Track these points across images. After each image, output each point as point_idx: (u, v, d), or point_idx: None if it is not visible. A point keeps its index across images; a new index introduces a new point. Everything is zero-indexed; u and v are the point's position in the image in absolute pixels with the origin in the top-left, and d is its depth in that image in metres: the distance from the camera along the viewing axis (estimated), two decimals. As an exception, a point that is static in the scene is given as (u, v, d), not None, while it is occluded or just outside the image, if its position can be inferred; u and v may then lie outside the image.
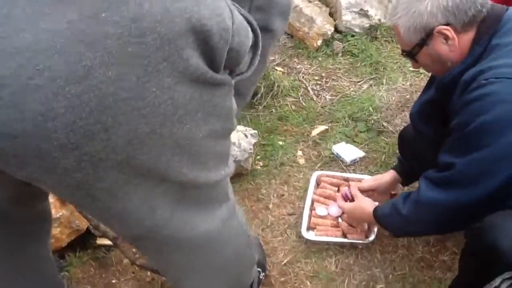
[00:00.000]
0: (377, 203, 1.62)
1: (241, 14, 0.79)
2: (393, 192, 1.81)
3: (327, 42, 2.90)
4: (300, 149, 2.25)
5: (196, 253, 0.97)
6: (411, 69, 2.60)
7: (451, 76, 1.28)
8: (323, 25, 2.87)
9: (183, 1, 0.67)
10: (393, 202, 1.43)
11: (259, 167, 2.15)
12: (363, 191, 1.73)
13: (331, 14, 3.00)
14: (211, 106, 0.77)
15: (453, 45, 1.27)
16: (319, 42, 2.88)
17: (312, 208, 1.89)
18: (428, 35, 1.27)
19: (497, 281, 1.11)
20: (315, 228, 1.82)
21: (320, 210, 1.87)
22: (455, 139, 1.23)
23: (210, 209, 0.94)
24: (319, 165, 2.14)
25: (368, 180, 1.80)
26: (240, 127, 2.07)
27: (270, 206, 1.96)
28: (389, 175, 1.77)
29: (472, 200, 1.20)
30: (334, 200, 1.90)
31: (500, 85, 1.12)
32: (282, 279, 1.67)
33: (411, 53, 1.34)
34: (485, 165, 1.16)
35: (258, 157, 2.20)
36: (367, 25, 2.95)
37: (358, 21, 2.92)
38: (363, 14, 2.91)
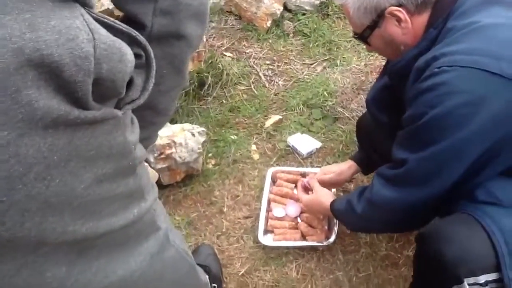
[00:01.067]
0: (334, 197, 1.53)
1: (119, 29, 0.61)
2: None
3: (277, 22, 2.74)
4: (254, 143, 2.11)
5: None
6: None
7: (404, 62, 1.17)
8: (271, 4, 2.69)
9: (5, 27, 0.48)
10: (348, 198, 1.34)
11: (210, 165, 2.00)
12: (323, 184, 1.62)
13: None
14: (91, 150, 0.60)
15: (406, 28, 1.15)
16: (269, 23, 2.71)
17: (269, 210, 1.77)
18: (379, 17, 1.15)
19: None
20: (272, 232, 1.70)
21: (277, 211, 1.75)
22: (407, 133, 1.12)
23: (128, 250, 0.79)
24: (274, 159, 2.02)
25: (328, 171, 1.69)
26: (186, 125, 1.91)
27: (225, 209, 1.82)
28: (349, 168, 1.67)
29: (426, 199, 1.12)
30: (292, 198, 1.79)
31: (454, 74, 1.00)
32: (240, 290, 1.56)
33: (362, 36, 1.22)
34: (437, 162, 1.07)
35: (210, 154, 2.05)
36: (318, 2, 2.80)
37: (310, -3, 2.76)
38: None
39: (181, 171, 1.88)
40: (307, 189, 1.67)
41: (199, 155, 1.87)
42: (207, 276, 1.35)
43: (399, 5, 1.12)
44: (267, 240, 1.66)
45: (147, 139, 0.93)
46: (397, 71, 1.22)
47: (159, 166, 1.82)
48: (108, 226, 0.69)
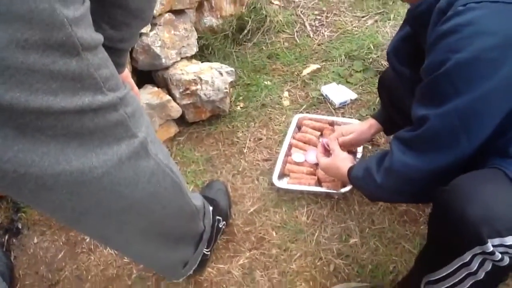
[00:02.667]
0: (354, 162, 1.42)
1: None
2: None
3: (332, -28, 2.60)
4: (286, 90, 2.04)
5: (81, 192, 0.82)
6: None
7: (424, 5, 1.02)
8: (327, -48, 2.56)
9: None
10: (367, 165, 1.20)
11: (239, 108, 1.97)
12: (343, 145, 1.53)
13: None
14: (1, 4, 0.58)
15: None
16: (323, -28, 2.58)
17: (288, 154, 1.71)
18: None
19: (467, 256, 0.92)
20: (289, 175, 1.65)
21: (297, 156, 1.69)
22: (427, 85, 0.98)
23: (87, 145, 0.77)
24: (304, 106, 1.94)
25: (349, 129, 1.58)
26: (215, 64, 1.88)
27: (245, 150, 1.79)
28: (370, 127, 1.54)
29: (453, 162, 0.98)
30: (315, 145, 1.71)
31: (482, 12, 0.86)
32: (247, 228, 1.53)
33: None
34: (463, 118, 0.92)
35: (241, 97, 2.02)
36: (379, -47, 2.61)
37: None
38: None
39: (207, 110, 1.87)
40: (326, 150, 1.57)
41: (226, 95, 1.84)
42: (205, 205, 1.34)
43: None
44: (281, 182, 1.62)
45: (121, 41, 0.90)
46: (417, 16, 1.06)
47: (184, 102, 1.82)
48: (44, 103, 0.67)
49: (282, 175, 1.66)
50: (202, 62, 2.02)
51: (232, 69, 1.88)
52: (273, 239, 1.49)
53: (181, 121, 1.88)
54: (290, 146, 1.73)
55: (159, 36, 1.80)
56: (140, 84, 1.94)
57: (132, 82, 1.02)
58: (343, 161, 1.37)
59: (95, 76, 0.74)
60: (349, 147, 1.56)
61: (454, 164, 0.98)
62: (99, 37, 0.76)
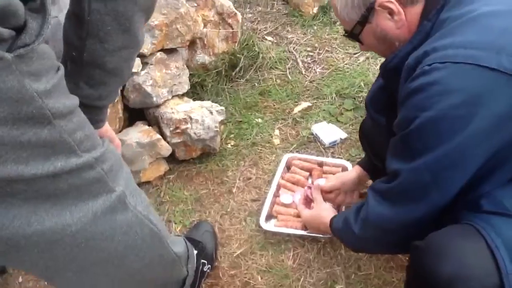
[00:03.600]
0: (335, 212, 1.43)
1: None
2: (362, 191, 1.59)
3: (324, 9, 2.66)
4: (277, 128, 2.06)
5: (54, 250, 0.83)
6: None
7: (397, 59, 1.05)
8: (320, -10, 2.61)
9: None
10: (346, 216, 1.22)
11: (229, 146, 1.98)
12: (326, 192, 1.53)
13: (331, -22, 2.73)
14: None
15: (399, 21, 1.05)
16: (315, 10, 2.64)
17: (277, 195, 1.71)
18: (369, 10, 1.06)
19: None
20: (276, 217, 1.65)
21: (285, 197, 1.69)
22: (399, 140, 1.01)
23: (61, 204, 0.78)
24: (294, 146, 1.95)
25: (331, 179, 1.59)
26: (205, 103, 1.90)
27: (234, 190, 1.79)
28: (354, 172, 1.56)
29: (425, 215, 1.00)
30: (303, 186, 1.72)
31: (446, 72, 0.89)
32: (232, 272, 1.53)
33: (352, 34, 1.13)
34: (433, 173, 0.94)
35: (232, 135, 2.03)
36: (371, -9, 2.65)
37: (361, -14, 2.63)
38: (366, -22, 2.62)
39: (197, 148, 1.88)
40: (309, 201, 1.57)
41: (216, 134, 1.86)
42: (188, 249, 1.34)
43: None
44: (268, 225, 1.61)
45: (99, 98, 0.92)
46: (390, 70, 1.09)
47: (174, 140, 1.83)
48: (13, 172, 0.68)
49: (269, 217, 1.66)
50: (194, 99, 2.05)
51: (223, 108, 1.90)
52: (258, 284, 1.49)
53: (171, 159, 1.89)
54: (279, 187, 1.74)
55: (150, 75, 1.82)
56: (131, 121, 1.96)
57: (112, 134, 1.03)
58: (325, 212, 1.37)
59: (68, 141, 0.75)
60: (333, 198, 1.56)
61: (428, 216, 1.00)
62: (73, 102, 0.78)
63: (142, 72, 1.81)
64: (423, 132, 0.94)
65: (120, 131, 1.84)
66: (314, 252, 1.56)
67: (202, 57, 2.17)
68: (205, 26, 2.13)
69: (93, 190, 0.85)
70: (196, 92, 2.14)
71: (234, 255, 1.57)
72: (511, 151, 0.91)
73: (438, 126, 0.91)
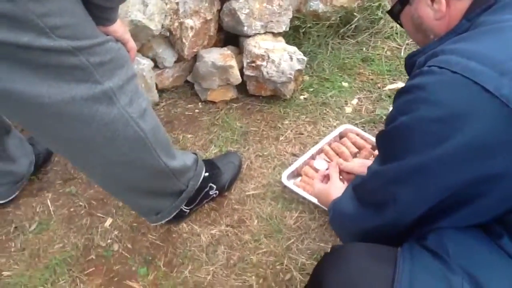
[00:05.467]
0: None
1: None
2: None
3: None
4: (357, 98, 1.95)
5: (28, 114, 0.98)
6: None
7: (421, 55, 0.90)
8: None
9: None
10: (334, 201, 1.15)
11: (301, 97, 1.96)
12: (347, 173, 1.44)
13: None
14: None
15: (439, 11, 0.89)
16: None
17: (314, 157, 1.67)
18: None
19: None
20: (301, 177, 1.63)
21: (319, 162, 1.64)
22: (380, 137, 0.91)
23: (38, 75, 0.91)
24: (362, 120, 1.84)
25: (356, 162, 1.48)
26: (290, 48, 1.88)
27: (281, 138, 1.80)
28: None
29: (381, 227, 0.90)
30: (345, 159, 1.64)
31: (438, 78, 0.75)
32: (236, 206, 1.58)
33: (392, 12, 1.00)
34: (391, 184, 0.84)
35: (310, 89, 1.99)
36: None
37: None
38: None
39: (268, 87, 1.90)
40: (327, 178, 1.48)
41: (289, 80, 1.85)
42: (197, 167, 1.42)
43: None
44: (290, 181, 1.60)
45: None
46: (410, 65, 0.95)
47: (248, 72, 1.88)
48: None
49: (297, 175, 1.64)
50: (293, 43, 2.05)
51: (304, 58, 1.86)
52: (252, 226, 1.52)
53: (242, 89, 1.96)
54: (320, 151, 1.69)
55: (248, 4, 1.87)
56: (225, 43, 2.05)
57: (125, 36, 1.11)
58: (334, 190, 1.31)
59: (36, 22, 0.85)
60: (349, 179, 1.46)
61: (383, 231, 0.91)
62: None
63: (242, 0, 1.86)
64: (395, 137, 0.84)
65: (205, 47, 1.95)
66: (318, 222, 1.52)
67: (317, 4, 2.12)
68: (329, -27, 2.06)
69: (76, 76, 0.97)
70: (298, 37, 2.13)
71: (247, 193, 1.62)
72: (477, 193, 0.76)
73: (409, 135, 0.80)
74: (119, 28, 1.08)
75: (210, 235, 1.51)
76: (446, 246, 0.79)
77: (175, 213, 1.44)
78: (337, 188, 1.35)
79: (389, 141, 0.86)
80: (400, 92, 0.84)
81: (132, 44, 1.15)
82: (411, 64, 0.94)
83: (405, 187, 0.82)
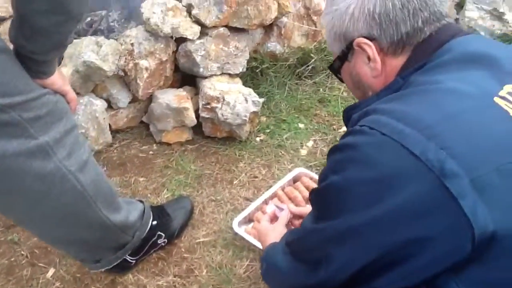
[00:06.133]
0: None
1: None
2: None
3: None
4: (313, 140, 1.96)
5: None
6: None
7: (357, 110, 0.90)
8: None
9: None
10: (267, 251, 1.12)
11: (258, 139, 1.95)
12: (295, 218, 1.43)
13: (457, 4, 2.43)
14: None
15: (375, 69, 0.90)
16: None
17: (267, 202, 1.66)
18: (348, 48, 0.92)
19: None
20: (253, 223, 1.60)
21: (271, 207, 1.62)
22: (312, 195, 0.90)
23: None
24: (316, 163, 1.84)
25: (308, 207, 1.47)
26: (245, 89, 1.88)
27: (235, 182, 1.78)
28: None
29: (311, 283, 0.89)
30: (297, 205, 1.63)
31: (369, 140, 0.75)
32: (185, 255, 1.54)
33: (332, 67, 1.00)
34: (322, 243, 0.82)
35: (267, 130, 1.99)
36: (499, 32, 2.31)
37: (488, 23, 2.30)
38: (497, 15, 2.27)
39: (223, 129, 1.89)
40: (275, 219, 1.46)
41: (244, 122, 1.84)
42: (143, 218, 1.39)
43: (371, 38, 0.88)
44: (239, 228, 1.58)
45: (33, 52, 0.96)
46: (348, 119, 0.94)
47: (203, 114, 1.87)
48: None
49: (249, 220, 1.62)
50: (251, 83, 2.05)
51: (260, 100, 1.87)
52: (200, 276, 1.48)
53: (198, 130, 1.94)
54: (274, 195, 1.67)
55: (204, 46, 1.87)
56: (182, 83, 2.04)
57: (64, 88, 1.08)
58: (274, 233, 1.28)
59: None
60: (296, 225, 1.45)
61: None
62: None
63: (197, 41, 1.86)
64: (327, 196, 0.83)
65: (161, 88, 1.93)
66: (268, 272, 1.49)
67: (274, 46, 2.14)
68: (286, 16, 2.08)
69: (8, 132, 0.94)
70: (256, 77, 2.13)
71: (197, 240, 1.58)
72: (404, 254, 0.75)
73: (340, 196, 0.79)
74: (57, 80, 1.05)
75: (156, 286, 1.46)
76: None
77: (116, 263, 1.39)
78: (276, 232, 1.32)
79: (321, 200, 0.84)
80: (332, 149, 0.83)
81: (72, 95, 1.12)
82: (348, 118, 0.93)
83: (337, 247, 0.81)
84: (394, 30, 0.85)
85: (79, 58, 1.73)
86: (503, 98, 0.76)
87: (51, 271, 1.49)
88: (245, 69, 2.00)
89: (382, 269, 0.79)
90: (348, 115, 0.94)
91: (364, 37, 0.88)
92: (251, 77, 2.12)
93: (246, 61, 1.99)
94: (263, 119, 2.04)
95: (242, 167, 1.84)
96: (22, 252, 1.53)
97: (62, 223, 1.17)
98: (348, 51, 0.94)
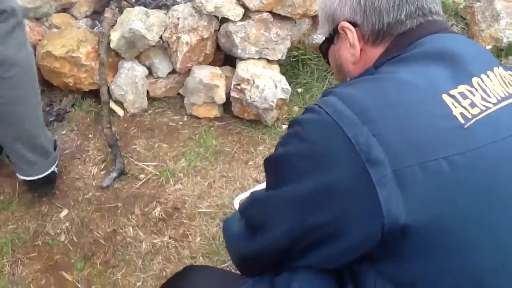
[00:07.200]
0: None
1: None
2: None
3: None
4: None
5: None
6: None
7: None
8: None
9: None
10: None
11: (283, 127, 1.97)
12: None
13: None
14: None
15: (354, 56, 0.89)
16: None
17: (273, 187, 1.68)
18: (335, 31, 0.92)
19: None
20: (255, 204, 1.63)
21: (276, 193, 1.64)
22: (264, 164, 0.93)
23: None
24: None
25: None
26: (277, 76, 1.90)
27: (250, 163, 1.82)
28: None
29: (254, 252, 0.91)
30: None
31: (313, 117, 0.75)
32: (185, 220, 1.62)
33: (320, 48, 1.00)
34: (263, 210, 0.83)
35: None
36: None
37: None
38: None
39: (251, 111, 1.93)
40: None
41: (270, 108, 1.87)
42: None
43: (354, 24, 0.87)
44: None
45: None
46: None
47: (233, 94, 1.92)
48: None
49: (253, 201, 1.65)
50: (292, 72, 2.07)
51: (289, 88, 1.88)
52: (193, 242, 1.55)
53: (228, 109, 2.00)
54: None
55: (245, 29, 1.91)
56: (223, 63, 2.11)
57: None
58: None
59: None
60: None
61: (256, 259, 0.91)
62: None
63: (239, 23, 1.92)
64: (271, 166, 0.85)
65: (200, 64, 2.01)
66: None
67: (320, 38, 2.13)
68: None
69: None
70: (296, 67, 2.15)
71: (198, 210, 1.65)
72: (327, 234, 0.75)
73: (280, 167, 0.81)
74: None
75: (152, 243, 1.55)
76: (290, 285, 0.79)
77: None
78: None
79: (267, 170, 0.86)
80: (288, 124, 0.85)
81: None
82: None
83: (271, 216, 0.82)
84: (376, 19, 0.84)
85: (127, 25, 1.86)
86: (452, 96, 0.74)
87: (64, 212, 1.63)
88: (284, 57, 2.01)
89: (306, 249, 0.79)
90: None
91: (348, 21, 0.88)
92: (292, 66, 2.14)
93: (286, 49, 2.00)
94: (295, 108, 2.05)
95: (260, 150, 1.87)
96: (45, 191, 1.69)
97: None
98: (334, 34, 0.94)
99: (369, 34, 0.86)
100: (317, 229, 0.75)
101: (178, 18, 1.93)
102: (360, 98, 0.74)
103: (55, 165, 1.60)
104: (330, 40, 0.96)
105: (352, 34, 0.88)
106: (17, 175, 1.57)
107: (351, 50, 0.90)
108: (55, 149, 1.60)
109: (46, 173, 1.56)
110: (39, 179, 1.56)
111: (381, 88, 0.76)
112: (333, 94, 0.78)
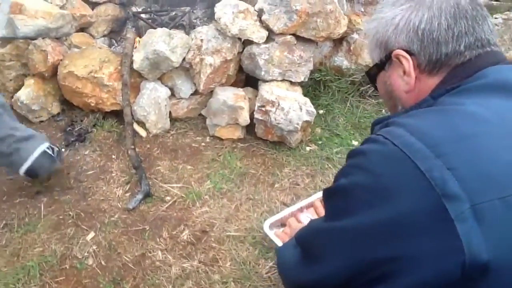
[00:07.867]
0: None
1: None
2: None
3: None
4: (363, 158, 1.93)
5: None
6: None
7: (383, 123, 0.91)
8: None
9: None
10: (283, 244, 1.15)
11: (308, 149, 1.97)
12: None
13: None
14: None
15: (408, 84, 0.89)
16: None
17: (301, 209, 1.66)
18: (387, 58, 0.92)
19: None
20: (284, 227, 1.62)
21: (305, 216, 1.63)
22: (323, 194, 0.91)
23: None
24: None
25: None
26: (301, 98, 1.90)
27: (276, 185, 1.81)
28: None
29: (309, 279, 0.90)
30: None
31: (379, 148, 0.75)
32: (214, 244, 1.59)
33: (369, 73, 1.00)
34: (322, 240, 0.83)
35: (319, 142, 2.00)
36: None
37: None
38: None
39: (275, 133, 1.93)
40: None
41: (295, 130, 1.87)
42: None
43: (410, 53, 0.87)
44: (270, 230, 1.60)
45: None
46: (371, 131, 0.95)
47: (257, 116, 1.92)
48: None
49: (282, 224, 1.63)
50: (313, 94, 2.08)
51: (314, 110, 1.88)
52: (224, 267, 1.52)
53: (252, 131, 1.99)
54: (310, 205, 1.67)
55: (269, 51, 1.92)
56: (245, 84, 2.11)
57: None
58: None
59: None
60: None
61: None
62: None
63: (263, 46, 1.93)
64: (333, 197, 0.84)
65: (222, 85, 2.01)
66: (289, 277, 1.50)
67: (341, 60, 2.15)
68: (358, 32, 2.09)
69: None
70: (318, 89, 2.16)
71: (227, 233, 1.63)
72: (389, 271, 0.74)
73: (344, 199, 0.79)
74: None
75: (181, 268, 1.52)
76: None
77: None
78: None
79: (329, 201, 0.85)
80: (348, 154, 0.84)
81: None
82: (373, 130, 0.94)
83: (332, 248, 0.81)
84: (434, 49, 0.84)
85: (151, 46, 1.87)
86: None
87: (91, 235, 1.61)
88: (307, 79, 2.02)
89: (368, 284, 0.78)
90: (372, 128, 0.95)
91: (404, 50, 0.88)
92: (313, 88, 2.15)
93: (309, 71, 2.02)
94: (318, 130, 2.05)
95: (286, 172, 1.86)
96: (70, 213, 1.67)
97: None
98: (386, 60, 0.94)
99: (425, 63, 0.86)
100: (381, 264, 0.74)
101: (201, 40, 1.94)
102: (429, 131, 0.74)
103: (44, 145, 1.65)
104: (381, 66, 0.96)
105: (408, 63, 0.88)
106: (19, 173, 1.63)
107: (405, 78, 0.90)
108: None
109: (35, 153, 1.62)
110: (32, 162, 1.62)
111: (450, 121, 0.75)
112: (397, 125, 0.78)
